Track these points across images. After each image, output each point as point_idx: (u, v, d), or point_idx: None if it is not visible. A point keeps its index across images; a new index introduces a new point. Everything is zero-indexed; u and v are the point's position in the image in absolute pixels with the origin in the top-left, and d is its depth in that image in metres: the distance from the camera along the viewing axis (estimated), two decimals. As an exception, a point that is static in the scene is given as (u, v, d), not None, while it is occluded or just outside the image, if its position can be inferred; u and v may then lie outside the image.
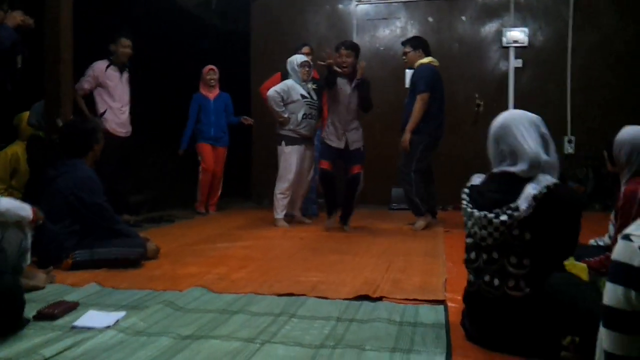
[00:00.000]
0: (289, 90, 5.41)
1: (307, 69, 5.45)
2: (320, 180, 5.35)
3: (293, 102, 5.41)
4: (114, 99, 5.38)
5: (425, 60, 5.33)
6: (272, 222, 5.51)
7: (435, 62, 5.38)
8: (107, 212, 3.65)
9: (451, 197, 6.86)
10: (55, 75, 4.52)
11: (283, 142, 5.48)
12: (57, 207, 3.52)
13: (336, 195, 5.28)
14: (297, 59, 5.52)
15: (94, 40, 5.33)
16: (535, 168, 1.97)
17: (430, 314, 2.55)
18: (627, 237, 1.03)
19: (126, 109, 5.51)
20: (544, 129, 2.06)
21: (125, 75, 5.50)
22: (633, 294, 0.98)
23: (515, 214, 1.89)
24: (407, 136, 5.20)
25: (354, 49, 5.18)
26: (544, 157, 1.99)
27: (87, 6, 5.18)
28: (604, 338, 1.05)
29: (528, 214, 1.88)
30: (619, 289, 1.00)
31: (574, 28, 6.91)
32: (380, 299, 2.81)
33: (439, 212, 6.00)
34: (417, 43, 5.47)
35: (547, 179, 1.93)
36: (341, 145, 5.17)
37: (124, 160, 5.47)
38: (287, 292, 2.90)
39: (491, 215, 1.95)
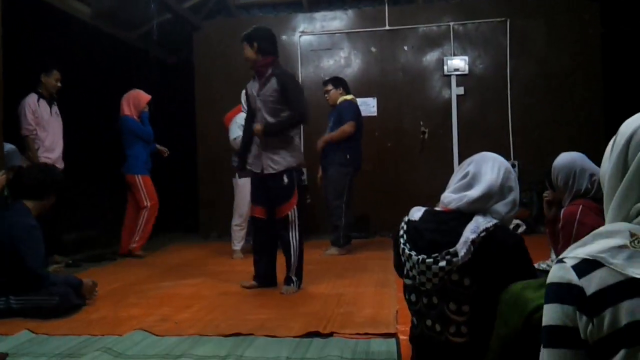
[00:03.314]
0: None
1: None
2: (252, 233, 4.26)
3: None
4: (47, 134, 5.05)
5: (348, 97, 5.80)
6: (229, 254, 5.44)
7: (355, 100, 5.88)
8: (35, 275, 3.29)
9: (398, 224, 6.93)
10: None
11: (237, 175, 5.41)
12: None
13: (270, 260, 3.99)
14: None
15: (23, 74, 5.08)
16: (484, 200, 1.90)
17: (382, 348, 2.51)
18: (560, 261, 1.08)
19: (59, 144, 5.19)
20: (512, 181, 1.96)
21: (55, 108, 5.18)
22: (570, 309, 1.03)
23: (454, 259, 1.80)
24: (322, 141, 5.58)
25: (250, 38, 4.02)
26: (497, 195, 1.91)
27: (17, 40, 4.97)
28: (546, 359, 1.07)
29: (467, 260, 1.80)
30: (557, 307, 1.04)
31: (511, 55, 7.12)
32: (331, 334, 2.74)
33: (385, 239, 6.25)
34: (337, 82, 5.92)
35: (486, 221, 1.84)
36: (257, 168, 3.89)
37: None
38: (234, 332, 2.78)
39: (429, 260, 1.85)
